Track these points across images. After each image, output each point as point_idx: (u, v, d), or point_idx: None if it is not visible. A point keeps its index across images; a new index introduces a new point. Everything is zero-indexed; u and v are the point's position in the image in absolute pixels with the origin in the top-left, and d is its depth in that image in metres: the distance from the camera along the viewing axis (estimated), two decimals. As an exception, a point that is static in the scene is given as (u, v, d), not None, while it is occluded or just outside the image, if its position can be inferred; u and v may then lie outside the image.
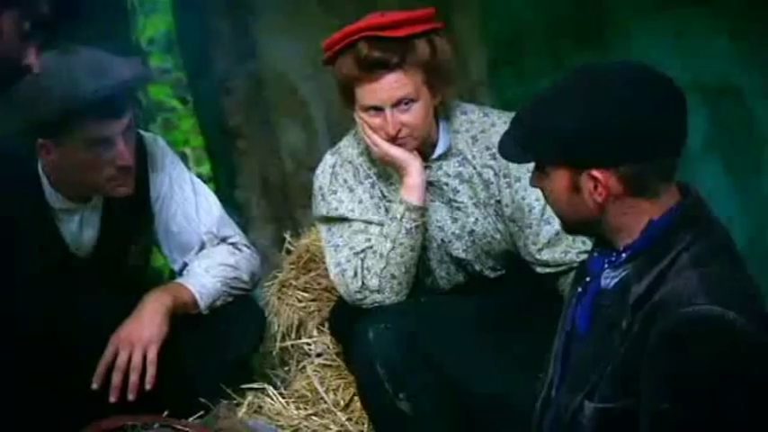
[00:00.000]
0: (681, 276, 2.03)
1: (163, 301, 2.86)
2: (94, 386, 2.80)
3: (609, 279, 2.14)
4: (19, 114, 2.76)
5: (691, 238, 2.07)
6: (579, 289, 2.21)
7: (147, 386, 2.79)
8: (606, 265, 2.15)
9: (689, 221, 2.09)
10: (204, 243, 3.02)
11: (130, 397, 2.78)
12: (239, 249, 3.04)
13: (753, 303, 2.02)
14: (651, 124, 2.05)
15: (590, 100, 2.06)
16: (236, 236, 3.07)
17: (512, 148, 2.18)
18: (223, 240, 3.04)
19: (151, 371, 2.79)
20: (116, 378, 2.79)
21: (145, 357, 2.80)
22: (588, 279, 2.19)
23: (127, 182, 2.84)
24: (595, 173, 2.06)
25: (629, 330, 2.05)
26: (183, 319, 2.91)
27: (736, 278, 2.05)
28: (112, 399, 2.78)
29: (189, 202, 3.02)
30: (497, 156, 2.91)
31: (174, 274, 3.11)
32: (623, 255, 2.12)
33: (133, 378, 2.79)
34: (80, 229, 2.93)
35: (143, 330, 2.82)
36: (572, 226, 2.20)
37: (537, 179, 2.18)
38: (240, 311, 3.00)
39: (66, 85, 2.70)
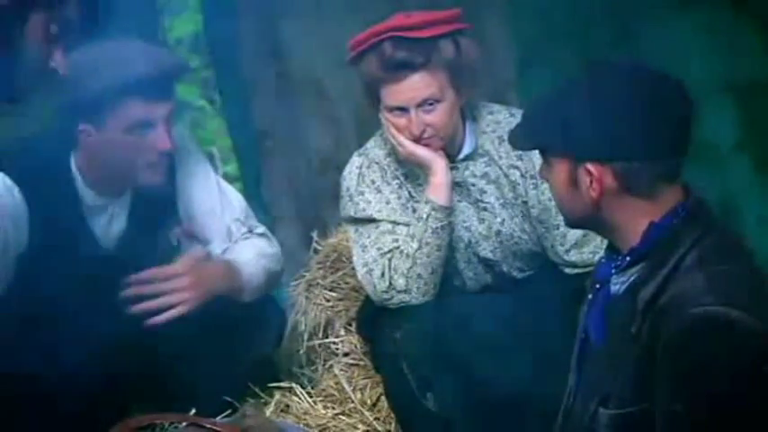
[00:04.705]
0: (687, 277, 2.03)
1: (231, 281, 2.89)
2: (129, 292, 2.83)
3: (618, 285, 2.14)
4: (63, 94, 2.79)
5: (696, 238, 2.07)
6: (590, 296, 2.22)
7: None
8: (613, 271, 2.15)
9: (692, 221, 2.09)
10: (231, 235, 3.04)
11: (157, 319, 2.81)
12: (271, 240, 3.07)
13: (761, 300, 2.02)
14: (649, 125, 2.06)
15: (594, 94, 2.08)
16: (261, 227, 3.10)
17: (518, 135, 2.22)
18: (249, 232, 3.06)
19: (168, 314, 2.81)
20: (150, 288, 2.82)
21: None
22: (598, 286, 2.19)
23: (162, 170, 2.86)
24: (590, 167, 2.08)
25: (639, 334, 2.05)
26: (208, 319, 2.93)
27: (743, 276, 2.05)
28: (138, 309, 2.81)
29: (214, 198, 3.04)
30: (524, 156, 2.94)
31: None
32: (627, 258, 2.12)
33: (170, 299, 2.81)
34: (109, 224, 2.95)
35: (207, 281, 2.84)
36: (573, 220, 2.21)
37: (543, 171, 2.20)
38: (260, 310, 3.01)
39: (112, 66, 2.73)
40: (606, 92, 2.07)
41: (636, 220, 2.10)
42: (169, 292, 2.85)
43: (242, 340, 2.96)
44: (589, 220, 2.16)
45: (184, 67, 3.00)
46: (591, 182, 2.09)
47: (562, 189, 2.14)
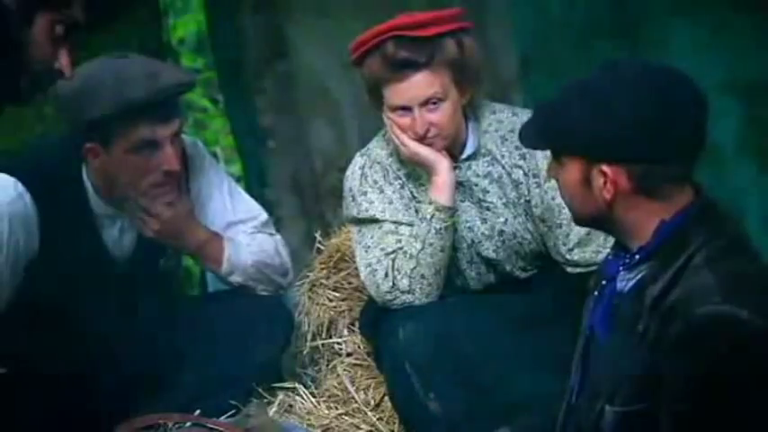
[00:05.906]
0: (695, 276, 2.03)
1: (213, 251, 2.93)
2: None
3: (625, 282, 2.14)
4: (69, 116, 2.79)
5: (704, 237, 2.06)
6: (596, 293, 2.22)
7: None
8: (621, 268, 2.15)
9: (702, 221, 2.09)
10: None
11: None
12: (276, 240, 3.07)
13: None
14: (666, 127, 2.05)
15: (610, 96, 2.07)
16: (278, 235, 3.10)
17: (531, 134, 2.21)
18: (258, 233, 3.06)
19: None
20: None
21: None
22: (604, 282, 2.19)
23: (171, 189, 2.86)
24: (605, 168, 2.07)
25: (646, 332, 2.05)
26: (215, 320, 2.93)
27: (751, 276, 2.04)
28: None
29: (227, 208, 3.04)
30: (527, 156, 2.94)
31: (204, 274, 3.13)
32: (636, 256, 2.12)
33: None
34: (121, 234, 2.94)
35: (185, 228, 2.89)
36: (581, 219, 2.21)
37: (552, 169, 2.19)
38: (268, 312, 3.01)
39: (118, 88, 2.74)
40: (623, 93, 2.06)
41: (646, 219, 2.09)
42: (162, 194, 2.85)
43: (249, 341, 2.96)
44: (599, 219, 2.15)
45: (190, 84, 2.98)
46: (605, 182, 2.08)
47: (574, 188, 2.14)
